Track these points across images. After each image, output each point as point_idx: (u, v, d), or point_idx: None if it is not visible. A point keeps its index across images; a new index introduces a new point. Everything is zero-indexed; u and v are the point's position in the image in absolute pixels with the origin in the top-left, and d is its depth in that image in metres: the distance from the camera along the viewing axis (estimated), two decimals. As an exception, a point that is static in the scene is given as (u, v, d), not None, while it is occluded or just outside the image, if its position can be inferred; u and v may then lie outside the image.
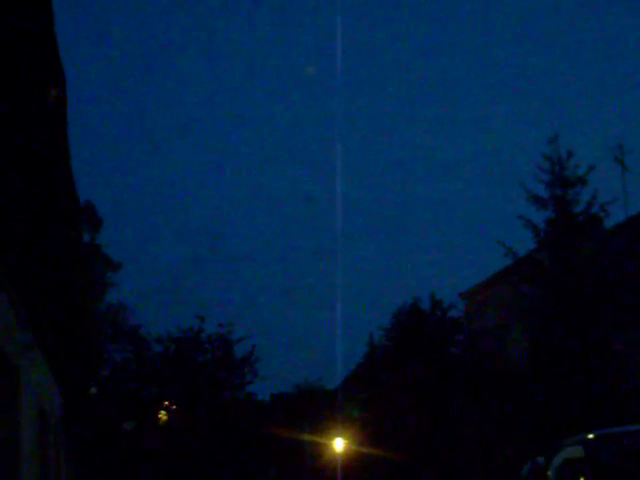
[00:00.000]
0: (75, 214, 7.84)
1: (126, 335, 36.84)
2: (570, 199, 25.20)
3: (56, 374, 14.59)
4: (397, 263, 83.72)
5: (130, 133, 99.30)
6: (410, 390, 31.92)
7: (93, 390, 18.57)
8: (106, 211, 36.06)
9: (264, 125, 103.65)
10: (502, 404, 27.28)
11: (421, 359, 32.17)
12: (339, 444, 40.44)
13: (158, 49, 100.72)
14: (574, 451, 12.17)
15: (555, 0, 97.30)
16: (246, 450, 39.47)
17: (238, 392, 40.64)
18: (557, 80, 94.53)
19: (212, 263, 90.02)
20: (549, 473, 12.89)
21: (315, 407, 43.42)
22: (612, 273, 24.26)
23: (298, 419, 43.22)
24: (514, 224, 25.97)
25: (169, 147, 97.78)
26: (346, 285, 72.60)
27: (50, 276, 9.21)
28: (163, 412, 38.67)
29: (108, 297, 33.71)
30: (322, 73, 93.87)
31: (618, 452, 11.92)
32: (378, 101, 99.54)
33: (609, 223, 26.17)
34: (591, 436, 11.72)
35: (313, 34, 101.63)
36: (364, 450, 36.46)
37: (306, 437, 42.60)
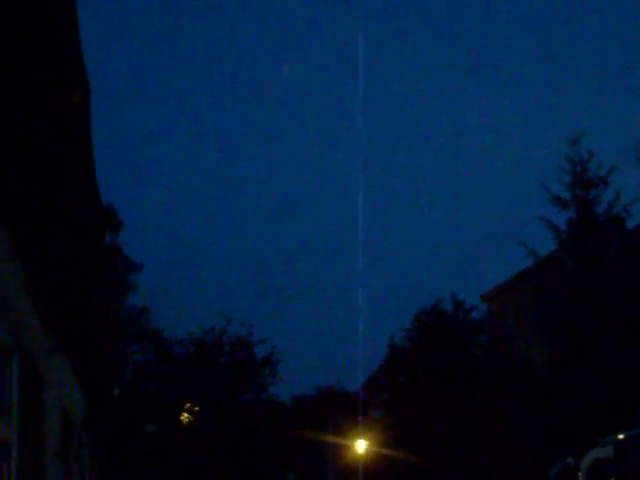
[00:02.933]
0: (98, 217, 7.87)
1: (148, 337, 36.97)
2: (592, 200, 25.12)
3: (79, 376, 14.67)
4: (418, 265, 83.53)
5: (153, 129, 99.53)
6: (431, 392, 31.83)
7: (116, 391, 18.63)
8: (126, 213, 36.23)
9: (285, 132, 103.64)
10: (524, 406, 27.17)
11: (443, 360, 32.08)
12: (361, 446, 40.40)
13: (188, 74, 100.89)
14: (604, 452, 12.13)
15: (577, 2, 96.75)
16: (266, 453, 39.50)
17: (259, 394, 40.70)
18: (578, 81, 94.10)
19: (234, 265, 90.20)
20: (579, 474, 12.84)
21: (336, 409, 43.40)
22: (635, 273, 24.14)
23: (319, 421, 43.21)
24: (535, 225, 25.91)
25: (195, 145, 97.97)
26: (367, 286, 72.52)
27: (73, 279, 9.25)
28: (185, 414, 38.77)
29: (130, 299, 33.83)
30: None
31: None
32: (395, 105, 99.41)
33: (631, 223, 26.06)
34: (621, 437, 11.69)
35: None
36: (386, 452, 36.40)
37: (327, 439, 42.59)
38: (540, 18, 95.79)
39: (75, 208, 7.28)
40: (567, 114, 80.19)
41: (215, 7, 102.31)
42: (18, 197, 6.89)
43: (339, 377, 46.85)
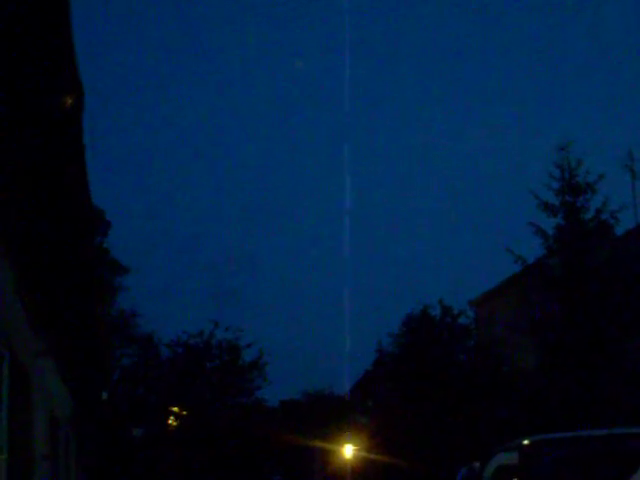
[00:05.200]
0: (88, 219, 7.89)
1: (136, 340, 36.93)
2: (580, 206, 25.22)
3: (67, 379, 14.66)
4: (406, 271, 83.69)
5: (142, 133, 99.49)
6: (414, 401, 31.89)
7: (104, 395, 18.60)
8: (115, 215, 36.16)
9: (280, 132, 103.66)
10: (510, 412, 27.24)
11: (430, 366, 32.12)
12: (348, 450, 40.43)
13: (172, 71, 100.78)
14: (509, 457, 12.08)
15: (566, 8, 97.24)
16: (254, 456, 39.50)
17: (247, 397, 40.72)
18: (567, 88, 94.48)
19: (223, 270, 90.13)
20: (484, 477, 12.78)
21: (324, 413, 43.43)
22: (623, 279, 24.26)
23: (307, 425, 43.22)
24: (523, 231, 26.00)
25: (181, 150, 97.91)
26: (355, 292, 72.59)
27: (62, 282, 9.27)
28: (172, 418, 38.72)
29: (118, 302, 33.78)
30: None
31: (553, 459, 11.81)
32: (387, 109, 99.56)
33: (620, 230, 26.18)
34: (526, 442, 11.60)
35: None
36: (373, 456, 36.45)
37: (315, 443, 42.61)
38: (533, 22, 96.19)
39: (64, 209, 7.31)
40: (557, 121, 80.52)
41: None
42: (8, 200, 6.91)
43: (327, 382, 46.83)
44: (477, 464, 15.27)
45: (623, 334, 23.92)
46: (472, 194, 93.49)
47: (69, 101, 5.55)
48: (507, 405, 27.54)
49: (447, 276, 75.21)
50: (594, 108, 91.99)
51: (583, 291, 24.48)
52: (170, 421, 38.72)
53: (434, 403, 31.09)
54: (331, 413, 42.60)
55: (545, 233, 25.47)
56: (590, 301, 24.33)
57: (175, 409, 38.52)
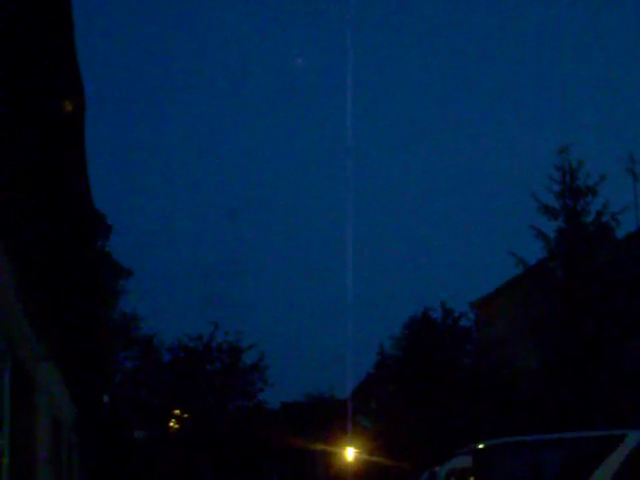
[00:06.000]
0: (90, 221, 7.91)
1: (138, 343, 36.99)
2: (581, 209, 25.24)
3: (70, 383, 14.69)
4: (408, 273, 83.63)
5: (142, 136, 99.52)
6: (417, 404, 31.87)
7: (106, 398, 18.65)
8: (116, 218, 36.22)
9: (280, 134, 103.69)
10: (511, 415, 27.23)
11: (429, 373, 32.10)
12: (350, 453, 40.41)
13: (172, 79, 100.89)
14: (463, 461, 12.12)
15: (567, 8, 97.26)
16: (255, 459, 39.53)
17: (248, 400, 40.74)
18: (568, 90, 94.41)
19: (224, 271, 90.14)
20: None
21: (326, 416, 43.42)
22: (625, 282, 24.27)
23: (308, 428, 43.21)
24: (524, 234, 26.02)
25: (182, 150, 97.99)
26: (357, 295, 72.58)
27: (64, 285, 9.29)
28: (173, 420, 38.76)
29: (120, 305, 33.82)
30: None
31: (506, 462, 11.85)
32: (386, 109, 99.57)
33: (621, 233, 26.19)
34: (481, 446, 11.62)
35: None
36: (374, 460, 36.44)
37: (316, 446, 42.60)
38: (533, 19, 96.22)
39: (68, 213, 7.33)
40: (558, 123, 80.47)
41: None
42: (8, 202, 6.93)
43: (328, 385, 46.79)
44: (438, 468, 15.30)
45: (623, 336, 23.94)
46: (473, 196, 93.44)
47: (70, 102, 5.57)
48: (508, 408, 27.53)
49: (448, 279, 75.12)
50: (595, 109, 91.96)
51: (585, 293, 24.49)
52: (172, 423, 38.76)
53: (437, 406, 31.08)
54: (333, 416, 42.59)
55: (546, 236, 25.51)
56: (592, 303, 24.34)
57: (177, 412, 38.57)
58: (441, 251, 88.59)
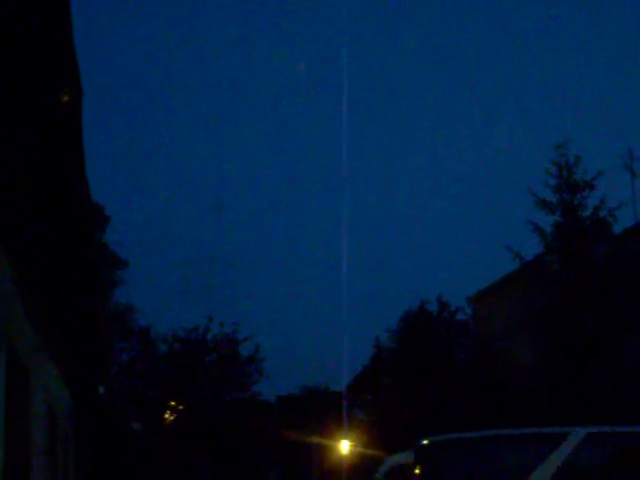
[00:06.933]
0: (88, 216, 7.91)
1: (134, 335, 37.02)
2: (578, 203, 25.25)
3: (65, 374, 14.70)
4: (404, 267, 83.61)
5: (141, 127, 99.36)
6: (412, 396, 31.91)
7: (101, 390, 18.66)
8: (114, 209, 36.16)
9: (280, 132, 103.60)
10: (506, 409, 27.27)
11: (424, 366, 32.14)
12: (345, 446, 40.47)
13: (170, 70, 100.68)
14: (404, 457, 12.06)
15: (565, 6, 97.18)
16: (251, 451, 39.60)
17: (244, 392, 40.82)
18: (566, 85, 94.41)
19: (220, 263, 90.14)
20: (377, 477, 12.73)
21: (321, 409, 43.47)
22: (625, 276, 24.30)
23: (304, 420, 43.27)
24: (521, 228, 26.02)
25: (181, 141, 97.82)
26: (353, 288, 72.60)
27: (61, 277, 9.29)
28: (169, 412, 38.80)
29: (116, 296, 33.81)
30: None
31: (448, 459, 11.78)
32: (385, 108, 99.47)
33: (618, 229, 26.19)
34: (425, 442, 11.52)
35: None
36: (370, 452, 36.50)
37: (312, 439, 42.66)
38: (531, 19, 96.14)
39: (63, 204, 7.33)
40: (556, 119, 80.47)
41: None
42: (6, 197, 6.93)
43: (324, 377, 46.91)
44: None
45: (623, 332, 23.95)
46: (470, 191, 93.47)
47: (68, 100, 5.58)
48: (503, 402, 27.57)
49: (445, 273, 75.19)
50: (594, 105, 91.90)
51: (584, 287, 24.50)
52: (167, 415, 38.80)
53: (432, 399, 31.13)
54: (329, 408, 42.63)
55: (543, 231, 25.51)
56: (591, 297, 24.35)
57: (172, 403, 38.61)
58: (439, 246, 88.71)
